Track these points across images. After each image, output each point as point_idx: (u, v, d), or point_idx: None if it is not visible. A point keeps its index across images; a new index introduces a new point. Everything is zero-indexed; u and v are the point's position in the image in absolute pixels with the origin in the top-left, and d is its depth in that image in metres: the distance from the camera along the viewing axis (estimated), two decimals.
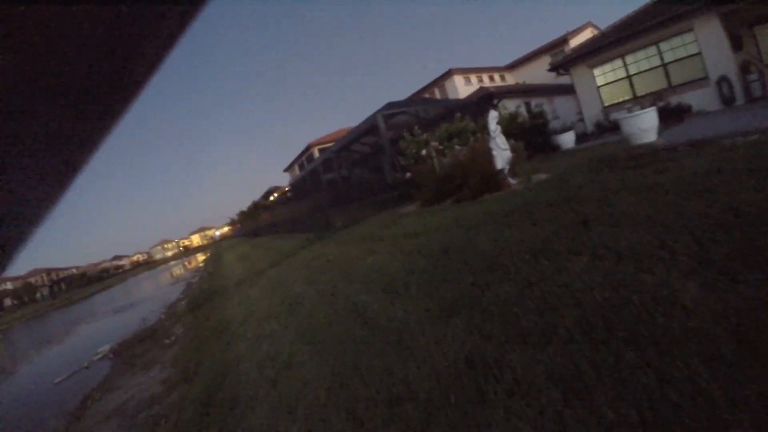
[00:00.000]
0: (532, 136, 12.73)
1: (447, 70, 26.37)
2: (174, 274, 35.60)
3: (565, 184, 5.74)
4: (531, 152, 12.12)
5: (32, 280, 74.84)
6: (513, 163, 7.87)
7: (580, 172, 6.35)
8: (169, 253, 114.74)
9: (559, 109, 19.30)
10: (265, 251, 14.96)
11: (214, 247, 71.08)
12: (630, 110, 8.71)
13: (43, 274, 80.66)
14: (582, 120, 15.14)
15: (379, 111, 14.71)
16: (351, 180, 22.99)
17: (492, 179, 7.32)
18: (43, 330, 22.46)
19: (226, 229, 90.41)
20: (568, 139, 12.74)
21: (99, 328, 13.90)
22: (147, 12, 0.19)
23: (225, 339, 5.31)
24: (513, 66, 28.76)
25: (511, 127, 12.36)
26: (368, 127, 15.58)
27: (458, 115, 12.79)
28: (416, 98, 27.64)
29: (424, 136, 11.92)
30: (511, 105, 15.72)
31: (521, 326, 2.30)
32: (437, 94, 27.51)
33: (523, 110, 14.83)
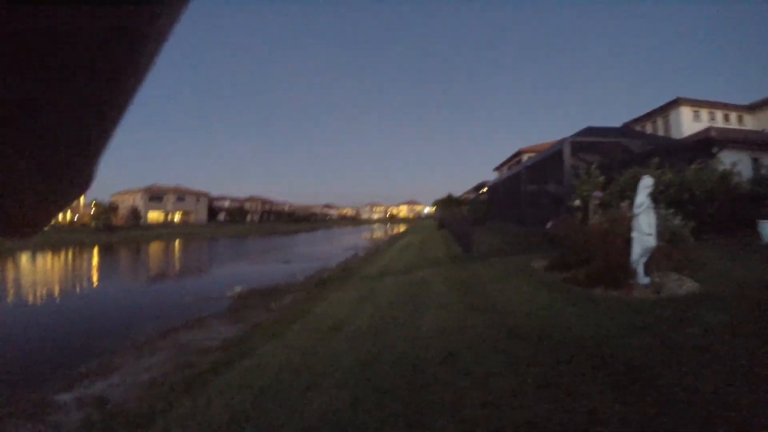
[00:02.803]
0: (741, 206, 9.52)
1: (674, 98, 20.86)
2: (362, 237, 40.14)
3: (706, 317, 4.11)
4: (729, 229, 9.32)
5: (247, 205, 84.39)
6: (669, 256, 5.91)
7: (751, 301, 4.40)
8: (375, 216, 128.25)
9: None
10: (416, 253, 15.35)
11: (412, 223, 76.74)
12: None
13: (259, 203, 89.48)
14: None
15: (573, 136, 12.81)
16: (534, 200, 21.09)
17: (615, 269, 5.62)
18: (229, 252, 28.68)
19: (433, 209, 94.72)
20: None
21: (259, 270, 16.88)
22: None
23: (285, 333, 5.81)
24: (756, 107, 20.93)
25: (718, 191, 9.52)
26: (555, 152, 13.80)
27: (655, 160, 10.20)
28: (627, 128, 23.01)
29: (601, 179, 9.90)
30: (730, 159, 11.60)
31: None
32: (660, 127, 22.19)
33: (746, 168, 11.09)
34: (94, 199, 61.91)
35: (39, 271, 18.50)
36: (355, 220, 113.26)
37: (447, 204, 43.68)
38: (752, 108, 21.21)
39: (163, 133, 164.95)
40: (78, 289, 13.30)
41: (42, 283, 14.13)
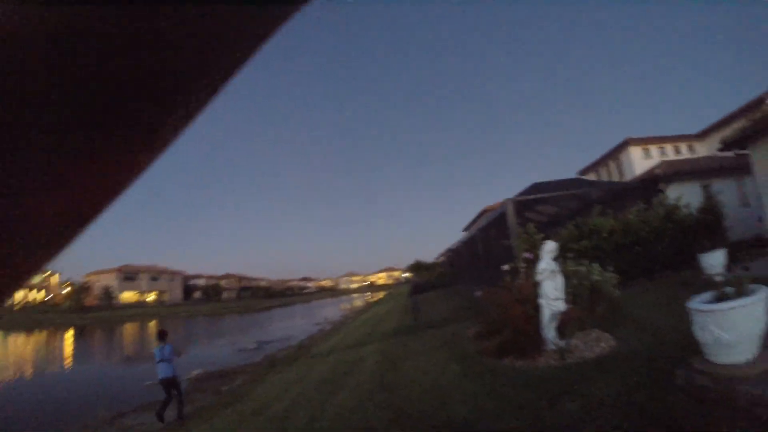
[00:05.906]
0: (692, 239, 9.30)
1: (623, 140, 22.58)
2: (336, 309, 39.98)
3: (596, 387, 3.92)
4: (679, 264, 9.34)
5: (223, 282, 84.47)
6: (591, 313, 6.26)
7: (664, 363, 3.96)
8: (354, 285, 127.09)
9: (753, 194, 13.49)
10: (373, 325, 15.68)
11: (390, 290, 76.25)
12: None
13: (235, 280, 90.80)
14: (762, 220, 10.66)
15: (517, 195, 13.04)
16: (491, 261, 21.72)
17: (521, 337, 5.96)
18: (200, 332, 28.63)
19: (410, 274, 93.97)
20: (712, 262, 8.03)
21: (223, 351, 17.03)
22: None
23: (216, 417, 6.28)
24: (705, 133, 22.26)
25: (665, 228, 9.66)
26: (500, 213, 14.13)
27: (597, 208, 10.46)
28: (577, 178, 24.68)
29: (539, 236, 9.88)
30: (677, 192, 11.35)
31: None
32: (613, 170, 23.88)
33: (696, 196, 10.99)
34: (68, 279, 61.64)
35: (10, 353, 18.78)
36: (333, 292, 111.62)
37: (417, 269, 44.26)
38: (702, 135, 22.32)
39: (137, 213, 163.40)
40: (42, 372, 13.93)
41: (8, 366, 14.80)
